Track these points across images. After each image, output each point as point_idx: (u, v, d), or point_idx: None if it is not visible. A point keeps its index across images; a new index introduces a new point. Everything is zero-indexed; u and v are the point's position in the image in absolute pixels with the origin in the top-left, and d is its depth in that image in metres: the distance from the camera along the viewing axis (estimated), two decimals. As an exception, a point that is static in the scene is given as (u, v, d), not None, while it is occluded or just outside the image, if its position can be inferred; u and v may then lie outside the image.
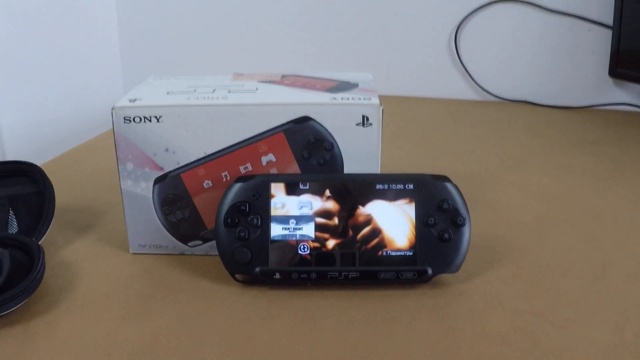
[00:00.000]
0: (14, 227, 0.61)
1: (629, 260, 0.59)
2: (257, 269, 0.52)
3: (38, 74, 1.11)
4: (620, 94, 1.17)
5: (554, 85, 1.21)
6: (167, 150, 0.56)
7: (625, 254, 0.60)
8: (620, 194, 0.75)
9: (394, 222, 0.53)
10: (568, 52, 1.19)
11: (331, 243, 0.53)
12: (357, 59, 1.29)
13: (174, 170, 0.57)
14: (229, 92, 0.58)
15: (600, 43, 1.16)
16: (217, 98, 0.56)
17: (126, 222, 0.59)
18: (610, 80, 1.17)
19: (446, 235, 0.53)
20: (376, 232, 0.53)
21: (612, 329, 0.48)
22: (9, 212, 0.61)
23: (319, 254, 0.52)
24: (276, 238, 0.53)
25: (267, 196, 0.53)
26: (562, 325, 0.48)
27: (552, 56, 1.20)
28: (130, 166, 0.57)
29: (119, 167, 0.57)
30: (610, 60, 1.13)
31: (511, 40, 1.21)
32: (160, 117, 0.55)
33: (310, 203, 0.53)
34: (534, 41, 1.20)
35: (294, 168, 0.56)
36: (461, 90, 1.27)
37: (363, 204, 0.53)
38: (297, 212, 0.53)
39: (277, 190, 0.53)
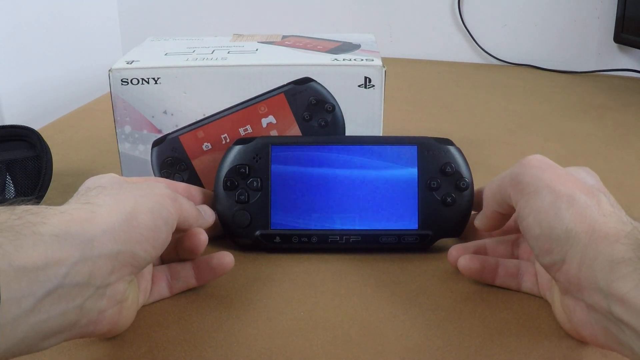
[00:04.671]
0: (10, 192, 0.60)
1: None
2: (257, 233, 0.52)
3: (35, 38, 1.09)
4: (625, 60, 1.16)
5: (558, 50, 1.19)
6: (165, 112, 0.55)
7: (630, 218, 0.59)
8: (624, 159, 0.74)
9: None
10: (573, 17, 1.17)
11: (332, 206, 0.52)
12: (360, 20, 1.27)
13: (173, 132, 0.56)
14: (229, 53, 0.57)
15: (606, 9, 1.15)
16: (216, 59, 0.55)
17: (124, 186, 0.58)
18: (615, 46, 1.15)
19: (449, 199, 0.52)
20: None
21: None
22: (6, 177, 0.60)
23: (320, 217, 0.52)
24: (276, 201, 0.52)
25: (267, 159, 0.52)
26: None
27: (557, 21, 1.18)
28: (128, 129, 0.56)
29: (117, 130, 0.56)
30: (615, 26, 1.12)
31: (515, 2, 1.20)
32: (158, 78, 0.54)
33: (311, 166, 0.52)
34: (538, 4, 1.18)
35: (295, 130, 0.56)
36: (464, 53, 1.25)
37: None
38: (297, 175, 0.52)
39: (278, 152, 0.52)
